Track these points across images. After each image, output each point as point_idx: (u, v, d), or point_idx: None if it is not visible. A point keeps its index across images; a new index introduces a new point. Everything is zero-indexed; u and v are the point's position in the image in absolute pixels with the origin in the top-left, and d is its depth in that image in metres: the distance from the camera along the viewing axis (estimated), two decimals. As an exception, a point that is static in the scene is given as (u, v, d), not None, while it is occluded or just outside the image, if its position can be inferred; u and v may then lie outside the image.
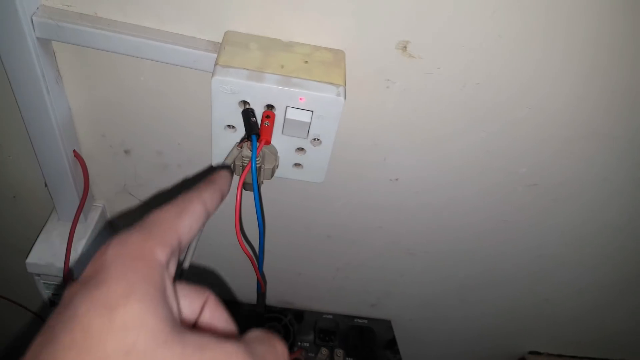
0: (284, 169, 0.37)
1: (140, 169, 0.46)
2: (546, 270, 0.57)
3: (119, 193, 0.49)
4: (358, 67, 0.35)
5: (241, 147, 0.33)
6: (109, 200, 0.50)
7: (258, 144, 0.31)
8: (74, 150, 0.43)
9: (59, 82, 0.38)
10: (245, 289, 0.62)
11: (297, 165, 0.37)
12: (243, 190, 0.33)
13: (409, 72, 0.35)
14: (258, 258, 0.36)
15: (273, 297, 0.63)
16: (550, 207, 0.49)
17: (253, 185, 0.31)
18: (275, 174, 0.37)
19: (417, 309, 0.64)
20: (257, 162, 0.32)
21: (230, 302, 0.63)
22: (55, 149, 0.41)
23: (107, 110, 0.41)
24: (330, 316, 0.64)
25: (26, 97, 0.37)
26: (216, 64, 0.31)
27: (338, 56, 0.33)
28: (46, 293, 0.48)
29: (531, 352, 0.71)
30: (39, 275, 0.45)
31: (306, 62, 0.32)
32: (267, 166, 0.34)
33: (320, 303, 0.64)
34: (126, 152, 0.44)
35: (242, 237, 0.33)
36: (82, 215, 0.46)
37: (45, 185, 0.43)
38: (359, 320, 0.64)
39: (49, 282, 0.46)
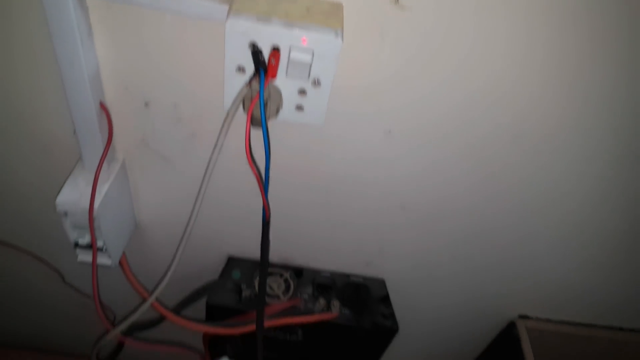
0: (288, 111, 0.42)
1: (157, 121, 0.51)
2: (533, 228, 0.61)
3: (138, 146, 0.54)
4: (354, 19, 0.40)
5: (250, 86, 0.38)
6: (129, 153, 0.55)
7: (265, 77, 0.36)
8: (101, 102, 0.48)
9: (90, 35, 0.44)
10: (248, 244, 0.66)
11: (299, 108, 0.42)
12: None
13: (401, 23, 0.40)
14: (264, 185, 0.41)
15: (274, 254, 0.67)
16: (535, 160, 0.53)
17: (260, 111, 0.36)
18: (279, 117, 0.42)
19: (410, 269, 0.69)
20: (264, 97, 0.37)
21: (235, 259, 0.68)
22: (85, 99, 0.46)
23: (130, 63, 0.46)
24: (328, 274, 0.69)
25: (63, 49, 0.42)
26: (229, 10, 0.36)
27: (336, 7, 0.39)
28: (72, 234, 0.52)
29: (521, 316, 0.75)
30: (66, 215, 0.50)
31: (308, 11, 0.37)
32: (273, 103, 0.39)
33: (318, 261, 0.68)
34: (146, 104, 0.49)
35: (252, 160, 0.38)
36: (105, 164, 0.51)
37: (74, 132, 0.49)
38: (355, 278, 0.69)
39: (75, 222, 0.51)
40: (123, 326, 0.57)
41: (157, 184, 0.59)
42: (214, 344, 0.69)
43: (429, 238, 0.64)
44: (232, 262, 0.68)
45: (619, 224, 0.61)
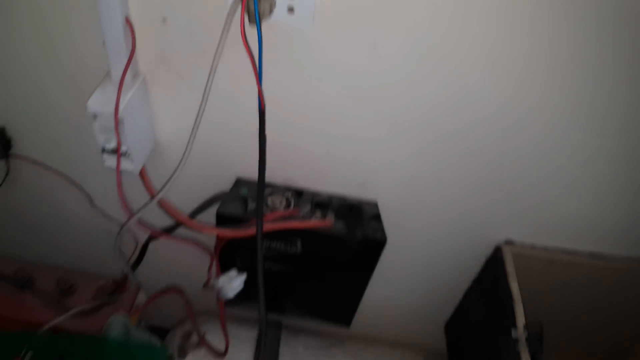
0: (280, 13, 0.49)
1: (173, 37, 0.59)
2: (519, 152, 0.66)
3: (157, 63, 0.62)
4: None
5: (247, -16, 0.45)
6: (150, 69, 0.63)
7: (258, -29, 0.43)
8: (126, 16, 0.56)
9: (118, -49, 0.52)
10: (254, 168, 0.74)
11: (290, 10, 0.49)
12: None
13: None
14: (258, 70, 0.48)
15: (276, 176, 0.75)
16: (508, 82, 0.58)
17: (254, 3, 0.43)
18: (272, 18, 0.49)
19: (400, 191, 0.75)
20: (258, -8, 0.44)
21: (242, 180, 0.76)
22: (113, 13, 0.54)
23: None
24: (326, 195, 0.76)
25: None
26: None
27: None
28: (100, 138, 0.61)
29: (507, 242, 0.80)
30: (95, 117, 0.59)
31: None
32: (266, 1, 0.46)
33: (316, 183, 0.75)
34: (164, 20, 0.57)
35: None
36: (129, 75, 0.59)
37: (103, 44, 0.57)
38: (350, 201, 0.76)
39: (103, 124, 0.59)
40: (140, 214, 0.66)
41: (174, 102, 0.67)
42: (224, 257, 0.77)
43: (417, 160, 0.70)
44: (239, 182, 0.75)
45: (606, 151, 0.65)
